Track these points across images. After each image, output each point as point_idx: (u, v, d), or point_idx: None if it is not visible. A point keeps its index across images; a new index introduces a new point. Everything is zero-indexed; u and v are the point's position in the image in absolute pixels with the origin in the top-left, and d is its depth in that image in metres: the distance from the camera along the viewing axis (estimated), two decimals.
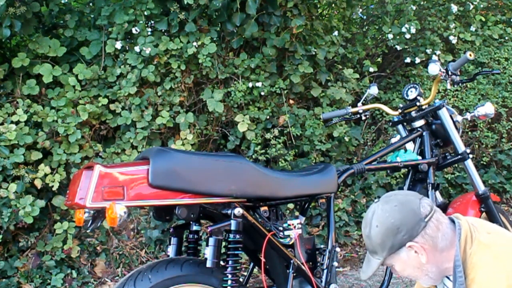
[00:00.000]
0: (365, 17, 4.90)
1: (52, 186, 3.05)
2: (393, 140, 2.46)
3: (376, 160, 2.28)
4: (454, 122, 2.32)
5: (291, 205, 3.59)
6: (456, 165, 4.06)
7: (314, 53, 3.78)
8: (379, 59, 4.84)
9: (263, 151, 3.62)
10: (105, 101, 3.26)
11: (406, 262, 1.38)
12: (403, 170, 2.37)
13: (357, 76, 4.05)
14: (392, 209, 1.36)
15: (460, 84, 2.28)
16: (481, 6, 4.75)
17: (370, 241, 1.40)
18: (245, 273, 2.25)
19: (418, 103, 2.35)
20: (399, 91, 4.48)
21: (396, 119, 2.47)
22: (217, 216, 1.78)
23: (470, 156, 2.33)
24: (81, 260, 3.22)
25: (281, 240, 1.87)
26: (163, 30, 3.49)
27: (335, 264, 2.03)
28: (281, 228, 1.87)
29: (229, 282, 1.68)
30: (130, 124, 3.30)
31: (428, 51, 4.32)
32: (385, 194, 1.43)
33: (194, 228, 1.88)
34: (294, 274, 1.90)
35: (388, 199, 1.39)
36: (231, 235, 1.70)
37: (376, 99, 4.10)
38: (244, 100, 3.61)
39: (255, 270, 2.56)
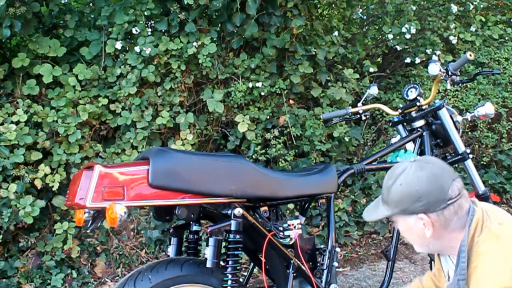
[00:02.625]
0: (365, 17, 4.90)
1: (52, 186, 3.05)
2: (393, 140, 2.46)
3: (376, 160, 2.28)
4: (454, 122, 2.32)
5: (291, 205, 3.59)
6: (456, 165, 4.06)
7: (314, 53, 3.78)
8: (379, 59, 4.84)
9: (263, 151, 3.62)
10: (105, 101, 3.26)
11: (411, 228, 1.37)
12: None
13: (357, 76, 4.05)
14: (423, 177, 1.32)
15: (460, 84, 2.28)
16: (481, 6, 4.76)
17: (387, 194, 1.38)
18: (245, 273, 2.25)
19: (418, 103, 2.35)
20: (399, 91, 4.48)
21: (396, 119, 2.47)
22: (217, 216, 1.78)
23: (470, 156, 2.33)
24: (81, 260, 3.22)
25: (281, 240, 1.87)
26: (163, 30, 3.49)
27: (335, 264, 2.03)
28: (281, 228, 1.88)
29: (229, 282, 1.68)
30: (130, 124, 3.31)
31: (428, 51, 4.32)
32: (423, 158, 1.40)
33: (194, 228, 1.89)
34: (294, 274, 1.90)
35: (423, 165, 1.35)
36: (231, 235, 1.70)
37: (376, 99, 4.11)
38: (244, 100, 3.61)
39: (255, 270, 2.56)
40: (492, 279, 1.22)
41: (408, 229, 1.38)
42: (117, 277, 3.22)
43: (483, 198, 2.32)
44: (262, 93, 3.62)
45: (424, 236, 1.35)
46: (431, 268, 2.27)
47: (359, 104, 2.55)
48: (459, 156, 2.32)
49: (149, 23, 3.56)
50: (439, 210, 1.31)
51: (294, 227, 1.88)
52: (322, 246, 2.17)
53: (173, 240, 1.90)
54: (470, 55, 2.11)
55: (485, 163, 4.60)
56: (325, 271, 2.00)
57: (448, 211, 1.31)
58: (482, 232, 1.31)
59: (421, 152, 2.35)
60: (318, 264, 2.06)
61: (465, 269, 1.29)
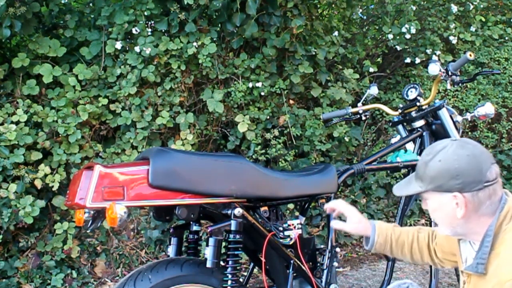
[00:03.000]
0: (365, 17, 4.90)
1: (52, 186, 3.05)
2: (393, 140, 2.46)
3: (376, 160, 2.28)
4: (454, 122, 2.33)
5: (291, 205, 3.59)
6: None
7: (314, 53, 3.78)
8: (379, 59, 4.84)
9: (263, 151, 3.62)
10: (105, 101, 3.26)
11: (442, 206, 1.36)
12: (403, 170, 2.36)
13: (357, 76, 4.05)
14: (463, 156, 1.31)
15: (460, 84, 2.28)
16: (481, 6, 4.76)
17: (424, 169, 1.37)
18: (245, 273, 2.25)
19: (418, 103, 2.35)
20: (399, 91, 4.48)
21: (396, 119, 2.47)
22: (217, 216, 1.78)
23: None
24: (81, 260, 3.22)
25: (281, 240, 1.87)
26: (163, 30, 3.49)
27: (335, 264, 2.03)
28: (281, 228, 1.88)
29: (229, 282, 1.69)
30: (130, 124, 3.30)
31: (428, 51, 4.32)
32: (464, 139, 1.39)
33: (194, 228, 1.89)
34: (294, 274, 1.90)
35: (464, 145, 1.34)
36: (231, 235, 1.70)
37: (376, 99, 4.11)
38: (244, 100, 3.61)
39: (255, 270, 2.56)
40: None
41: (439, 208, 1.37)
42: (117, 277, 3.22)
43: None
44: (262, 93, 3.62)
45: (454, 217, 1.34)
46: (431, 268, 2.27)
47: (359, 104, 2.55)
48: None
49: (149, 23, 3.56)
50: (475, 190, 1.30)
51: (294, 227, 1.88)
52: (322, 246, 2.18)
53: (173, 240, 1.90)
54: (470, 55, 2.11)
55: None
56: (325, 271, 2.00)
57: (483, 193, 1.30)
58: (511, 221, 1.31)
59: (421, 152, 2.35)
60: (318, 264, 2.06)
61: (487, 253, 1.29)
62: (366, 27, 4.92)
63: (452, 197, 1.32)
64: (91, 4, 3.71)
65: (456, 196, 1.31)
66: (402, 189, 1.48)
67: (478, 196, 1.30)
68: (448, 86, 2.26)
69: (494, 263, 1.28)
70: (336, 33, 4.06)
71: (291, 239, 1.88)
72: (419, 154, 2.34)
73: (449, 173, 1.31)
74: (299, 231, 1.90)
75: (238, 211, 1.69)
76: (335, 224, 1.78)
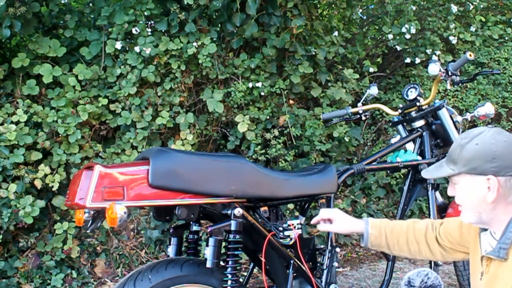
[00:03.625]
0: (365, 17, 4.91)
1: (52, 186, 3.05)
2: (393, 140, 2.46)
3: (376, 160, 2.28)
4: (454, 122, 2.33)
5: (291, 205, 3.59)
6: None
7: (314, 53, 3.78)
8: (379, 59, 4.84)
9: (263, 151, 3.62)
10: (105, 101, 3.26)
11: (473, 189, 1.36)
12: (403, 170, 2.37)
13: (357, 76, 4.06)
14: (500, 141, 1.33)
15: (460, 84, 2.28)
16: (481, 6, 4.76)
17: (459, 151, 1.37)
18: (245, 273, 2.25)
19: (418, 103, 2.35)
20: (399, 91, 4.48)
21: (396, 119, 2.47)
22: (217, 216, 1.78)
23: None
24: (81, 260, 3.22)
25: (281, 240, 1.87)
26: (163, 30, 3.49)
27: (335, 264, 2.03)
28: (281, 229, 1.88)
29: (229, 282, 1.68)
30: (130, 124, 3.31)
31: (428, 51, 4.32)
32: (499, 128, 1.42)
33: (194, 228, 1.88)
34: (294, 274, 1.90)
35: (501, 132, 1.37)
36: (231, 235, 1.70)
37: (376, 99, 4.11)
38: (244, 100, 3.61)
39: (255, 270, 2.56)
40: None
41: (470, 191, 1.37)
42: (117, 277, 3.22)
43: None
44: (262, 93, 3.63)
45: (484, 201, 1.34)
46: (431, 268, 2.27)
47: (359, 104, 2.55)
48: None
49: (149, 23, 3.56)
50: (509, 175, 1.32)
51: (294, 227, 1.88)
52: (322, 246, 2.17)
53: (173, 240, 1.90)
54: (470, 55, 2.11)
55: None
56: (325, 271, 2.00)
57: None
58: None
59: (421, 152, 2.35)
60: (318, 264, 2.06)
61: (511, 238, 1.31)
62: (366, 27, 4.93)
63: (486, 180, 1.33)
64: (91, 4, 3.71)
65: (490, 179, 1.32)
66: (432, 172, 1.48)
67: (511, 182, 1.32)
68: (448, 86, 2.26)
69: None
70: (336, 33, 4.06)
71: (291, 239, 1.88)
72: (419, 154, 2.34)
73: (486, 155, 1.32)
74: (299, 231, 1.90)
75: (238, 211, 1.69)
76: (321, 226, 1.80)
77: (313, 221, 1.85)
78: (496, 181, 1.32)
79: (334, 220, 1.77)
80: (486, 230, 1.46)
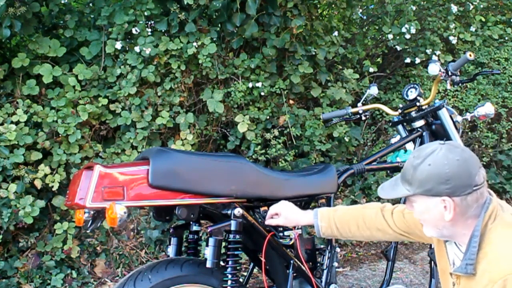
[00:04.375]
0: (365, 17, 4.91)
1: (52, 186, 3.05)
2: (393, 140, 2.46)
3: (376, 160, 2.28)
4: (454, 122, 2.32)
5: None
6: None
7: (314, 53, 3.78)
8: (379, 59, 4.84)
9: (263, 151, 3.62)
10: (105, 101, 3.26)
11: (429, 209, 1.36)
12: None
13: (357, 76, 4.05)
14: (453, 160, 1.31)
15: (460, 84, 2.28)
16: (481, 6, 4.76)
17: (412, 172, 1.36)
18: (245, 273, 2.25)
19: (418, 103, 2.35)
20: (399, 91, 4.48)
21: (396, 119, 2.47)
22: (217, 216, 1.78)
23: None
24: (81, 260, 3.22)
25: (281, 240, 1.87)
26: (163, 30, 3.49)
27: (335, 264, 2.03)
28: (281, 229, 1.88)
29: (229, 282, 1.69)
30: (130, 124, 3.31)
31: (428, 51, 4.32)
32: (452, 142, 1.39)
33: (194, 228, 1.89)
34: (294, 274, 1.90)
35: (453, 149, 1.34)
36: (231, 235, 1.70)
37: (376, 99, 4.11)
38: (244, 100, 3.61)
39: (255, 270, 2.56)
40: (503, 264, 1.23)
41: (426, 211, 1.37)
42: (117, 277, 3.22)
43: None
44: (262, 93, 3.63)
45: (442, 219, 1.34)
46: (430, 268, 2.27)
47: (359, 104, 2.55)
48: None
49: (149, 23, 3.56)
50: (464, 195, 1.31)
51: (294, 227, 1.88)
52: (322, 246, 2.18)
53: (173, 240, 1.90)
54: (470, 55, 2.11)
55: (485, 163, 4.61)
56: (325, 271, 2.00)
57: (471, 197, 1.31)
58: (496, 220, 1.32)
59: None
60: (318, 264, 2.06)
61: (475, 253, 1.30)
62: (366, 27, 4.92)
63: (441, 201, 1.32)
64: (91, 4, 3.71)
65: (445, 200, 1.32)
66: (388, 192, 1.45)
67: (466, 200, 1.31)
68: (448, 86, 2.26)
69: (483, 263, 1.28)
70: (336, 33, 4.06)
71: (291, 239, 1.88)
72: None
73: (439, 177, 1.31)
74: (299, 231, 1.90)
75: (238, 211, 1.69)
76: (268, 221, 1.81)
77: (266, 220, 1.85)
78: (451, 201, 1.31)
79: (281, 214, 1.79)
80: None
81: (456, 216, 1.33)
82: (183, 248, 1.94)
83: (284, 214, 1.78)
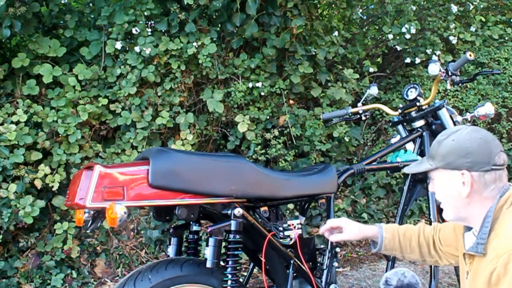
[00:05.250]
0: (365, 17, 4.91)
1: (52, 186, 3.05)
2: (393, 140, 2.46)
3: (376, 160, 2.28)
4: (454, 123, 2.32)
5: (291, 205, 3.59)
6: None
7: (314, 53, 3.78)
8: (379, 59, 4.84)
9: (263, 151, 3.62)
10: (105, 101, 3.26)
11: (448, 184, 1.41)
12: (403, 170, 2.36)
13: (357, 76, 4.05)
14: (475, 138, 1.38)
15: (460, 84, 2.28)
16: (481, 6, 4.76)
17: (437, 147, 1.44)
18: (245, 273, 2.25)
19: (418, 103, 2.35)
20: (399, 91, 4.48)
21: (396, 119, 2.47)
22: (217, 216, 1.78)
23: None
24: (81, 260, 3.22)
25: (281, 240, 1.87)
26: (163, 30, 3.49)
27: (335, 264, 2.03)
28: (281, 229, 1.88)
29: (229, 282, 1.68)
30: (130, 124, 3.31)
31: (428, 51, 4.32)
32: (477, 127, 1.47)
33: (194, 228, 1.89)
34: (294, 274, 1.90)
35: (478, 130, 1.42)
36: (231, 235, 1.70)
37: (376, 99, 4.11)
38: (244, 100, 3.61)
39: (255, 270, 2.56)
40: (510, 241, 1.25)
41: (445, 186, 1.42)
42: (117, 277, 3.22)
43: None
44: (262, 93, 3.63)
45: (459, 196, 1.38)
46: (431, 268, 2.27)
47: (359, 104, 2.55)
48: None
49: (149, 23, 3.56)
50: (482, 171, 1.36)
51: (294, 227, 1.88)
52: (322, 246, 2.18)
53: (173, 240, 1.90)
54: (470, 55, 2.11)
55: None
56: (325, 271, 2.00)
57: (489, 175, 1.36)
58: (511, 206, 1.35)
59: (421, 152, 2.35)
60: (318, 264, 2.06)
61: (487, 233, 1.33)
62: (366, 27, 4.92)
63: (460, 175, 1.37)
64: (91, 4, 3.71)
65: (464, 174, 1.36)
66: (412, 168, 1.54)
67: (484, 177, 1.36)
68: (448, 86, 2.26)
69: (493, 243, 1.31)
70: (336, 33, 4.06)
71: (291, 239, 1.88)
72: (419, 154, 2.34)
73: (460, 151, 1.37)
74: (299, 231, 1.90)
75: (238, 211, 1.69)
76: (333, 237, 1.82)
77: (320, 231, 1.87)
78: (469, 176, 1.36)
79: (345, 228, 1.80)
80: (470, 229, 1.49)
81: (473, 193, 1.37)
82: (183, 248, 1.94)
83: (348, 228, 1.79)
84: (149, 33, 3.36)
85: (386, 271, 2.22)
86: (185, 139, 3.41)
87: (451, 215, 1.45)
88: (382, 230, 1.76)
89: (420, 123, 2.37)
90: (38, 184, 3.01)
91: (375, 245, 1.77)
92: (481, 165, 1.35)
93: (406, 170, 1.58)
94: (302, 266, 1.90)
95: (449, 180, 1.40)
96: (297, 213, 2.06)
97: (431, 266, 2.27)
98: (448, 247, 1.66)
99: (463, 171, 1.36)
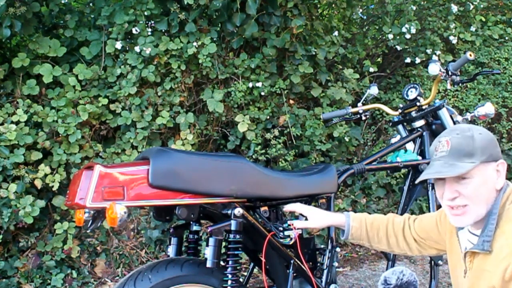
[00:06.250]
0: (365, 17, 4.91)
1: (52, 186, 3.05)
2: (393, 140, 2.46)
3: (376, 160, 2.28)
4: (454, 122, 2.32)
5: None
6: None
7: (314, 53, 3.78)
8: (379, 59, 4.84)
9: (263, 151, 3.62)
10: (105, 101, 3.26)
11: (488, 178, 1.36)
12: (403, 170, 2.37)
13: (357, 76, 4.05)
14: (485, 130, 1.41)
15: (460, 84, 2.28)
16: (481, 6, 4.76)
17: (471, 143, 1.35)
18: (245, 273, 2.25)
19: (418, 103, 2.35)
20: (399, 91, 4.48)
21: (396, 119, 2.47)
22: (217, 216, 1.78)
23: None
24: (81, 260, 3.22)
25: (281, 240, 1.87)
26: (163, 30, 3.49)
27: (335, 264, 2.03)
28: (281, 228, 1.87)
29: (229, 282, 1.68)
30: (130, 124, 3.31)
31: (428, 51, 4.32)
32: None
33: (194, 228, 1.89)
34: (294, 274, 1.90)
35: (480, 127, 1.42)
36: (231, 235, 1.70)
37: (376, 99, 4.11)
38: (244, 100, 3.61)
39: (255, 270, 2.56)
40: None
41: (485, 181, 1.35)
42: (117, 277, 3.22)
43: None
44: (262, 93, 3.63)
45: (493, 189, 1.37)
46: (431, 268, 2.27)
47: (359, 104, 2.55)
48: None
49: (149, 23, 3.56)
50: (502, 159, 1.40)
51: (294, 227, 1.88)
52: (322, 246, 2.18)
53: (173, 240, 1.90)
54: (470, 55, 2.11)
55: None
56: (325, 271, 2.00)
57: (501, 166, 1.39)
58: None
59: (421, 152, 2.35)
60: (318, 264, 2.06)
61: (493, 230, 1.32)
62: (366, 27, 4.92)
63: (497, 166, 1.37)
64: (91, 4, 3.71)
65: (503, 163, 1.37)
66: (445, 172, 1.35)
67: (504, 166, 1.39)
68: (448, 86, 2.26)
69: (500, 240, 1.30)
70: (336, 33, 4.06)
71: (291, 239, 1.87)
72: (419, 154, 2.34)
73: (493, 141, 1.39)
74: (299, 231, 1.89)
75: (238, 211, 1.69)
76: (297, 223, 1.81)
77: (285, 210, 1.86)
78: (504, 163, 1.38)
79: (309, 216, 1.80)
80: (462, 228, 1.48)
81: (502, 182, 1.37)
82: (183, 248, 1.94)
83: (314, 216, 1.79)
84: (149, 33, 3.36)
85: (386, 270, 2.22)
86: (185, 139, 3.41)
87: (482, 213, 1.36)
88: (349, 219, 1.76)
89: (420, 123, 2.37)
90: (38, 184, 3.01)
91: (343, 233, 1.78)
92: (499, 153, 1.38)
93: (436, 176, 1.36)
94: (302, 266, 1.90)
95: (487, 173, 1.35)
96: (297, 213, 2.06)
97: (431, 266, 2.27)
98: (427, 240, 1.66)
99: (500, 161, 1.37)
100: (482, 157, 1.35)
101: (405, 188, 2.33)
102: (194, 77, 3.52)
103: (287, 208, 1.85)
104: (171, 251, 1.89)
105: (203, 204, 1.69)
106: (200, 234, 1.95)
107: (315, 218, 1.79)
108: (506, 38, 5.09)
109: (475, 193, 1.35)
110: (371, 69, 4.20)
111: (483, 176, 1.35)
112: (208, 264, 1.64)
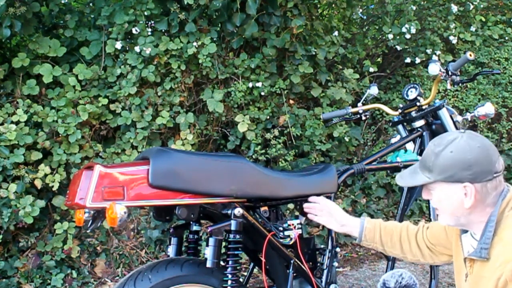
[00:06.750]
0: (365, 17, 4.91)
1: (52, 186, 3.05)
2: (393, 140, 2.46)
3: (376, 160, 2.28)
4: (454, 122, 2.32)
5: (291, 205, 3.59)
6: None
7: (314, 53, 3.78)
8: (379, 59, 4.84)
9: (263, 151, 3.62)
10: (105, 101, 3.26)
11: (449, 196, 1.35)
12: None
13: (357, 76, 4.05)
14: (475, 147, 1.32)
15: (460, 84, 2.28)
16: (481, 6, 4.76)
17: (434, 159, 1.36)
18: (245, 273, 2.25)
19: (418, 103, 2.35)
20: (399, 91, 4.48)
21: (396, 119, 2.47)
22: (217, 216, 1.78)
23: None
24: (81, 260, 3.23)
25: (281, 240, 1.87)
26: (163, 30, 3.49)
27: (335, 264, 2.03)
28: (281, 228, 1.88)
29: (229, 282, 1.68)
30: (130, 124, 3.31)
31: (428, 51, 4.32)
32: (471, 131, 1.41)
33: (194, 228, 1.89)
34: (294, 274, 1.90)
35: (474, 137, 1.36)
36: (231, 235, 1.70)
37: (376, 99, 4.11)
38: (244, 100, 3.61)
39: (255, 270, 2.56)
40: None
41: (446, 198, 1.36)
42: (117, 277, 3.22)
43: None
44: (262, 93, 3.63)
45: (461, 207, 1.35)
46: (431, 268, 2.27)
47: (359, 104, 2.55)
48: None
49: (149, 23, 3.56)
50: (485, 181, 1.31)
51: (294, 227, 1.88)
52: (322, 246, 2.18)
53: (173, 240, 1.90)
54: (470, 55, 2.11)
55: None
56: (325, 271, 2.00)
57: (491, 184, 1.32)
58: None
59: (421, 152, 2.35)
60: (318, 264, 2.06)
61: (490, 238, 1.31)
62: (366, 27, 4.92)
63: (462, 188, 1.33)
64: (91, 4, 3.71)
65: (467, 186, 1.32)
66: (407, 180, 1.45)
67: (486, 186, 1.32)
68: (448, 86, 2.26)
69: (498, 248, 1.29)
70: (336, 33, 4.06)
71: (291, 239, 1.88)
72: (419, 154, 2.34)
73: (462, 163, 1.31)
74: (299, 231, 1.90)
75: (238, 211, 1.69)
76: (317, 219, 1.84)
77: (305, 206, 1.88)
78: (473, 188, 1.31)
79: (333, 214, 1.81)
80: (466, 232, 1.47)
81: (476, 203, 1.33)
82: (183, 248, 1.94)
83: (336, 214, 1.80)
84: (149, 33, 3.36)
85: (386, 271, 2.22)
86: (185, 139, 3.41)
87: (450, 222, 1.41)
88: (364, 220, 1.78)
89: (420, 123, 2.37)
90: (38, 184, 3.01)
91: (358, 235, 1.79)
92: (484, 175, 1.30)
93: (399, 183, 1.47)
94: (302, 266, 1.90)
95: (450, 192, 1.35)
96: (297, 213, 2.05)
97: (431, 266, 2.27)
98: (437, 246, 1.66)
99: (465, 184, 1.31)
100: (439, 176, 1.35)
101: (405, 188, 2.33)
102: (194, 77, 3.52)
103: (310, 199, 1.88)
104: (171, 251, 1.89)
105: (203, 204, 1.69)
106: (200, 234, 1.95)
107: (338, 216, 1.81)
108: (506, 38, 5.09)
109: (438, 205, 1.41)
110: (371, 69, 4.20)
111: (445, 193, 1.37)
112: (208, 264, 1.64)
